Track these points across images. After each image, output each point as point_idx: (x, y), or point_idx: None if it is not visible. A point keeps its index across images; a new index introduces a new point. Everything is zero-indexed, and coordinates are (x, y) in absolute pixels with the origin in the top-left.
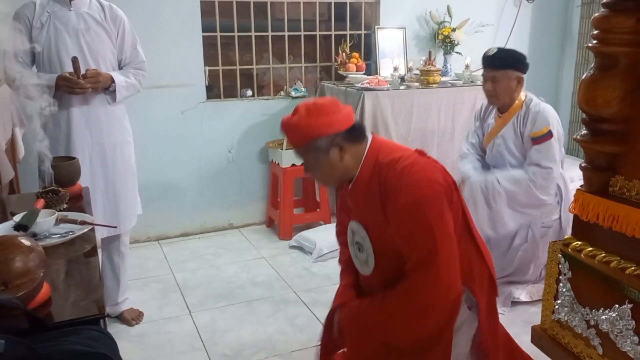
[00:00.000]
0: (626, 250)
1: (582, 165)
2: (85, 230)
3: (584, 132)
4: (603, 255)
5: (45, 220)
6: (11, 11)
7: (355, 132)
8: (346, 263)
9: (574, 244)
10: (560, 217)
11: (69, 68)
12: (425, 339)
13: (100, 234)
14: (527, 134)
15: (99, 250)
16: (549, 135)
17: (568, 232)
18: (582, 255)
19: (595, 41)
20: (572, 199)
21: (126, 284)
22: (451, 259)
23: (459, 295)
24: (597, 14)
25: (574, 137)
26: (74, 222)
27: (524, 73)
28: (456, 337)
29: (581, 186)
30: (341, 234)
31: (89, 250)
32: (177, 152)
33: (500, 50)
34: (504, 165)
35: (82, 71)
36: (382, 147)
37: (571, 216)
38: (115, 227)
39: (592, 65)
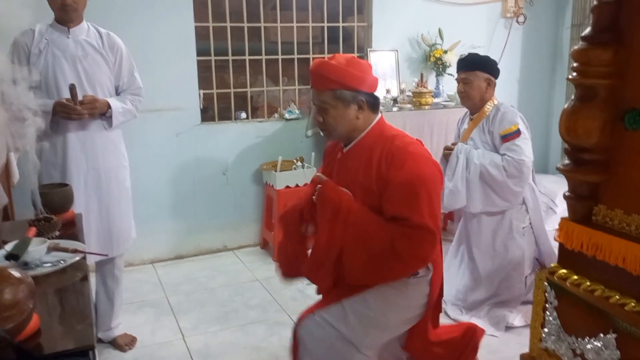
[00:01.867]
0: (610, 278)
1: (566, 194)
2: (77, 258)
3: (566, 161)
4: (588, 283)
5: (37, 249)
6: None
7: (375, 101)
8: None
9: (560, 272)
10: (530, 224)
11: (66, 94)
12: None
13: (94, 257)
14: (496, 132)
15: (93, 274)
16: (517, 133)
17: (542, 240)
18: (567, 284)
19: (575, 73)
20: (542, 207)
21: (120, 309)
22: (438, 232)
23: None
24: (576, 47)
25: (557, 166)
26: (65, 250)
27: (494, 77)
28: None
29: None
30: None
31: (80, 278)
32: (171, 175)
33: (471, 55)
34: None
35: (79, 97)
36: (387, 125)
37: (543, 224)
38: (107, 255)
39: (573, 96)
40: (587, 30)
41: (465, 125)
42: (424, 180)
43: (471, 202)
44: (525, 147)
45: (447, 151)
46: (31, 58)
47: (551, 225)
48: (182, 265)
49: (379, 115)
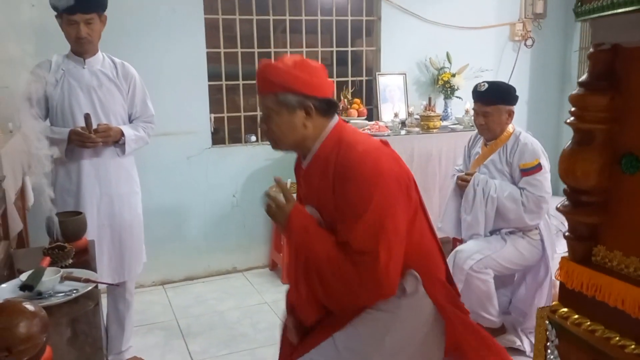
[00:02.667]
0: (611, 319)
1: (566, 234)
2: (89, 288)
3: (565, 202)
4: (588, 323)
5: (50, 279)
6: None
7: (328, 106)
8: None
9: (561, 311)
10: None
11: (82, 123)
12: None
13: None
14: (515, 164)
15: (104, 296)
16: (538, 167)
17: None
18: (568, 323)
19: (572, 118)
20: (553, 230)
21: (130, 332)
22: (392, 258)
23: (391, 294)
24: (573, 92)
25: (556, 206)
26: (78, 279)
27: (514, 105)
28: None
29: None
30: None
31: (91, 308)
32: (182, 197)
33: (491, 86)
34: None
35: (94, 126)
36: (347, 129)
37: (553, 238)
38: (118, 285)
39: (571, 139)
40: (584, 76)
41: (478, 150)
42: (369, 197)
43: (486, 230)
44: (545, 182)
45: (462, 182)
46: (48, 88)
47: (561, 248)
48: (192, 287)
49: (336, 119)
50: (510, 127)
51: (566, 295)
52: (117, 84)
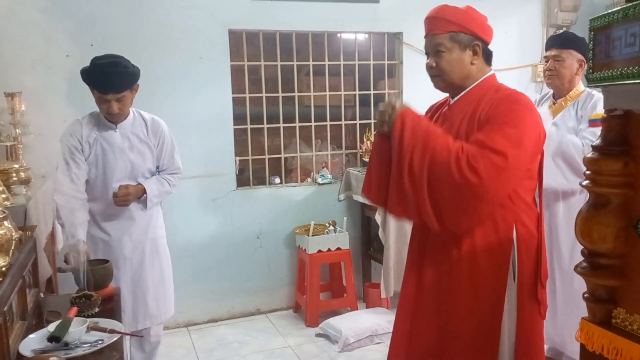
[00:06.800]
0: None
1: (585, 295)
2: (114, 339)
3: (583, 264)
4: None
5: (77, 330)
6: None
7: (490, 53)
8: None
9: None
10: None
11: (113, 188)
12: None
13: (135, 325)
14: (587, 115)
15: (128, 341)
16: None
17: None
18: None
19: (587, 181)
20: None
21: None
22: (512, 169)
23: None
24: (587, 155)
25: (574, 268)
26: (103, 330)
27: (586, 60)
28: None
29: None
30: None
31: (116, 359)
32: (207, 239)
33: (566, 32)
34: None
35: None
36: (500, 83)
37: None
38: (142, 336)
39: (587, 202)
40: (597, 140)
41: (546, 109)
42: (516, 119)
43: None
44: None
45: None
46: (84, 150)
47: None
48: (216, 329)
49: (492, 71)
50: (581, 86)
51: (587, 357)
52: (148, 142)
